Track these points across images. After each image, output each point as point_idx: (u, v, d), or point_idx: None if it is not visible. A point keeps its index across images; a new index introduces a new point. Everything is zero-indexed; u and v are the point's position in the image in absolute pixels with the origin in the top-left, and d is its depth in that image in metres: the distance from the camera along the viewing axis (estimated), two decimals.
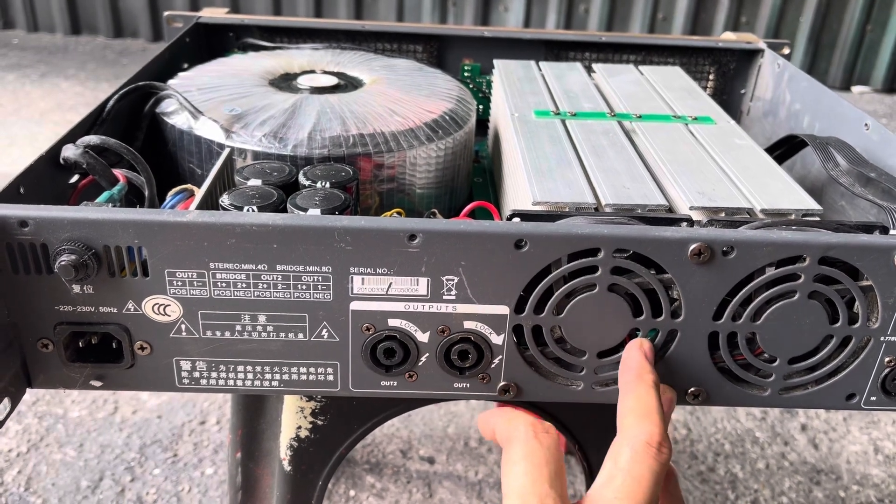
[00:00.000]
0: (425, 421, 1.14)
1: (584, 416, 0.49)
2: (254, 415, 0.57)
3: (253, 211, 0.40)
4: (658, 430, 0.33)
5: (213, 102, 0.51)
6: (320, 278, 0.36)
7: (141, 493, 0.99)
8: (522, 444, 0.34)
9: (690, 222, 0.40)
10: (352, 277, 0.36)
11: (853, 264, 0.36)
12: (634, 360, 0.37)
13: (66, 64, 2.63)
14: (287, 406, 0.50)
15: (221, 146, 0.47)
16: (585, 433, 0.50)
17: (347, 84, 0.57)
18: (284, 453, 0.51)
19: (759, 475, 1.07)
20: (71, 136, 0.44)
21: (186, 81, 0.55)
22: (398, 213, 0.46)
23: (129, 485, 1.00)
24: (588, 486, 0.54)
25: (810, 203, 0.43)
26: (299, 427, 0.50)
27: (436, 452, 1.08)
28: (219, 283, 0.36)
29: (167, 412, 1.13)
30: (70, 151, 0.42)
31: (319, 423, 0.50)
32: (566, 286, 0.37)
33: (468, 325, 0.38)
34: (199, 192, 0.42)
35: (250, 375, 0.39)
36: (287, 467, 0.52)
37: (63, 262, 0.34)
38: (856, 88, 2.81)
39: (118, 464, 1.03)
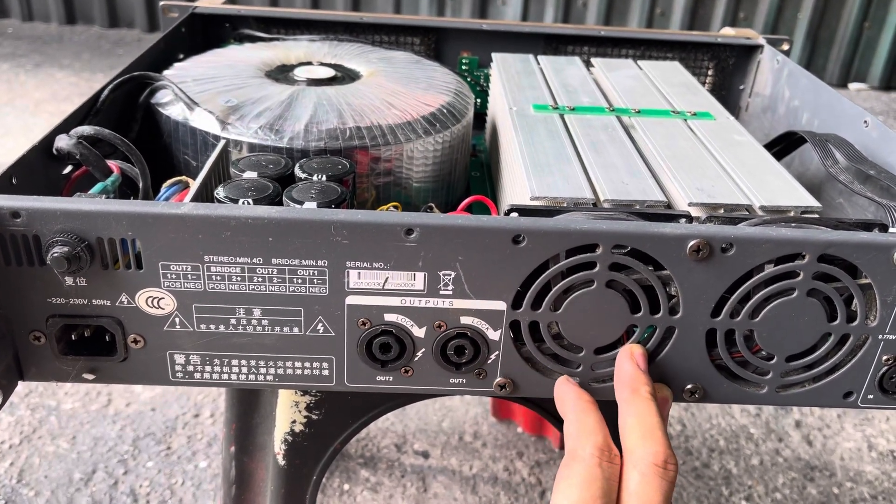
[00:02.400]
0: (420, 415, 1.14)
1: None
2: (248, 409, 0.57)
3: (248, 203, 0.39)
4: (662, 449, 0.33)
5: (208, 94, 0.50)
6: (316, 272, 0.36)
7: (134, 485, 0.99)
8: (585, 468, 0.34)
9: (689, 219, 0.40)
10: (348, 272, 0.36)
11: (852, 262, 0.36)
12: (627, 373, 0.37)
13: (61, 54, 2.61)
14: (282, 400, 0.50)
15: (217, 138, 0.47)
16: None
17: (344, 76, 0.56)
18: (279, 447, 0.51)
19: (753, 471, 1.08)
20: (64, 127, 0.43)
21: (182, 72, 0.54)
22: (395, 207, 0.45)
23: (123, 477, 1.00)
24: None
25: (810, 200, 0.42)
26: (294, 421, 0.50)
27: (430, 447, 1.08)
28: (213, 277, 0.36)
29: (161, 405, 1.12)
30: (63, 142, 0.42)
31: (314, 417, 0.50)
32: (564, 282, 0.36)
33: (465, 320, 0.38)
34: (194, 184, 0.41)
35: (245, 369, 0.39)
36: (281, 461, 0.52)
37: (56, 254, 0.34)
38: (853, 85, 2.81)
39: (111, 456, 1.03)
